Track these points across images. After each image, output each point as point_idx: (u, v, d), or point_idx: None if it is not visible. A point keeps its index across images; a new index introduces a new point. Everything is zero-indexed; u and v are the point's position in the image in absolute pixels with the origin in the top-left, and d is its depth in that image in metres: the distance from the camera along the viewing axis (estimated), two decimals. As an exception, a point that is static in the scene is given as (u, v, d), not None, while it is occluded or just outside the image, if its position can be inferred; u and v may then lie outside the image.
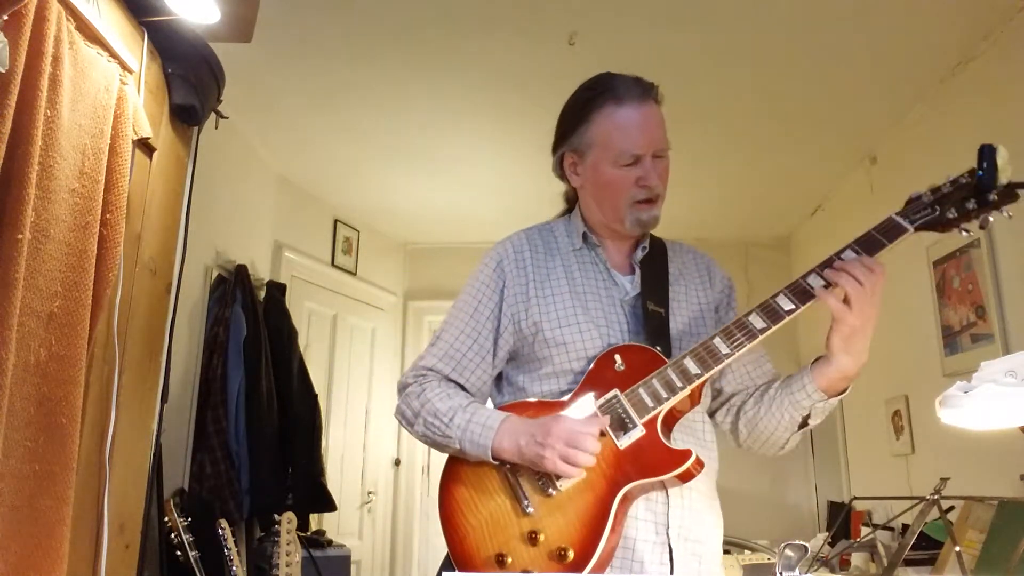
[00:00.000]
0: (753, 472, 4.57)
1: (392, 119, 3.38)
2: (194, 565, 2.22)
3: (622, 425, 1.22)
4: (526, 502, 1.22)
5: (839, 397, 1.25)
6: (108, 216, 1.52)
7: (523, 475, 1.24)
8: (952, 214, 1.19)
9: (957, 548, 1.83)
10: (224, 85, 2.05)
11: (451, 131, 3.45)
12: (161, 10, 1.75)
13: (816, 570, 2.51)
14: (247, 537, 3.22)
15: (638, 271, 1.40)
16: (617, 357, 1.27)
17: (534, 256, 1.40)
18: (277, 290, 3.56)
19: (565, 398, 1.29)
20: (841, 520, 3.19)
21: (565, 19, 2.64)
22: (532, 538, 1.20)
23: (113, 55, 1.57)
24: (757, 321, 1.20)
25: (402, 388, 1.41)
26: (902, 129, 3.26)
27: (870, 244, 1.20)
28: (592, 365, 1.28)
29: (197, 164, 2.03)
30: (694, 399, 1.26)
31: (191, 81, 1.89)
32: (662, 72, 2.92)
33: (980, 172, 1.16)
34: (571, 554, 1.17)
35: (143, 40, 1.77)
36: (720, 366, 1.21)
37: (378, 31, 2.72)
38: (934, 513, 1.93)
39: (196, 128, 2.01)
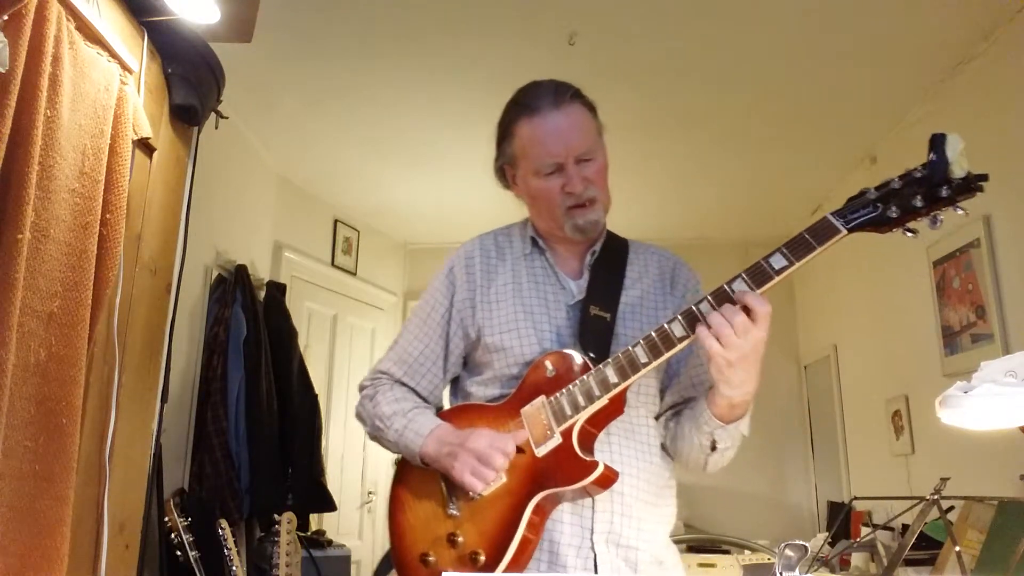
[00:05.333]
0: (753, 472, 4.57)
1: (392, 119, 3.38)
2: (194, 565, 2.21)
3: (543, 433, 1.23)
4: (451, 505, 1.27)
5: (738, 423, 1.24)
6: (108, 216, 1.52)
7: (452, 480, 1.27)
8: (894, 212, 1.08)
9: (957, 548, 1.83)
10: (224, 85, 2.05)
11: (451, 131, 3.45)
12: (161, 10, 1.75)
13: (816, 570, 2.51)
14: (247, 537, 3.21)
15: (587, 275, 1.39)
16: (548, 363, 1.28)
17: (484, 262, 1.42)
18: (277, 290, 3.56)
19: (499, 403, 1.31)
20: (841, 520, 3.19)
21: (565, 19, 2.64)
22: (452, 540, 1.25)
23: (113, 55, 1.57)
24: (677, 329, 1.17)
25: (360, 390, 1.47)
26: (902, 129, 3.26)
27: (800, 246, 1.13)
28: (527, 371, 1.30)
29: (197, 164, 2.03)
30: (617, 407, 1.24)
31: (191, 81, 1.89)
32: (662, 71, 2.95)
33: (929, 164, 1.05)
34: (482, 558, 1.21)
35: (143, 40, 1.77)
36: (638, 375, 1.19)
37: (378, 31, 2.72)
38: (934, 513, 1.93)
39: (196, 128, 2.01)
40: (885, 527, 2.85)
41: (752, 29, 2.67)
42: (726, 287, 1.16)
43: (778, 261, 1.14)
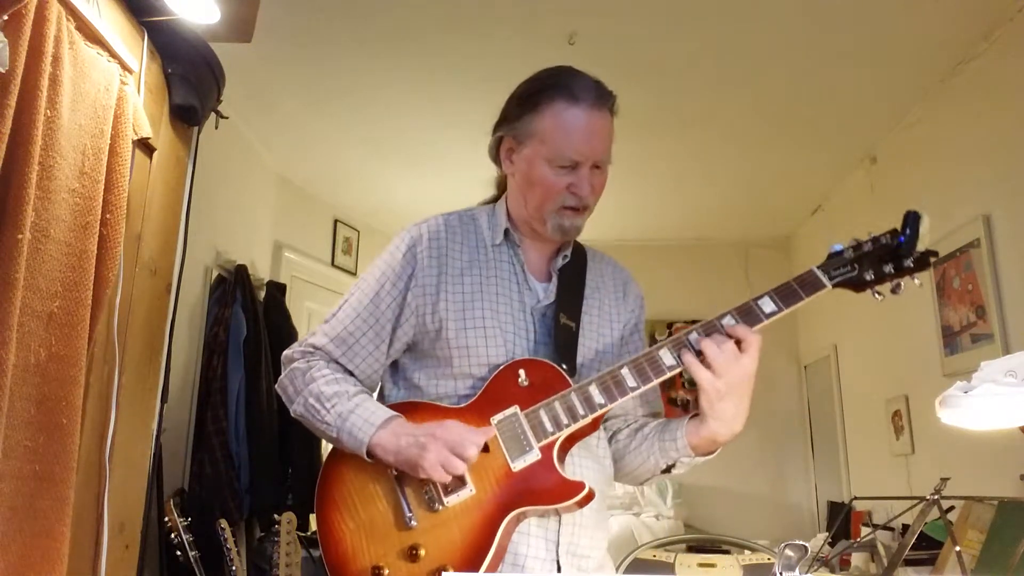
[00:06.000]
0: (753, 472, 4.57)
1: (392, 119, 3.38)
2: (194, 565, 2.21)
3: (518, 446, 1.18)
4: (409, 515, 1.18)
5: (706, 458, 1.25)
6: (108, 216, 1.52)
7: (409, 485, 1.20)
8: (869, 276, 1.19)
9: (957, 548, 1.83)
10: (224, 85, 2.05)
11: (451, 131, 3.46)
12: (161, 10, 1.75)
13: (816, 570, 2.51)
14: (247, 537, 3.21)
15: (555, 280, 1.35)
16: (522, 372, 1.22)
17: (451, 245, 1.32)
18: (277, 290, 3.56)
19: (463, 405, 1.24)
20: (841, 520, 3.19)
21: (565, 19, 2.64)
22: (412, 553, 1.16)
23: (113, 55, 1.57)
24: (667, 357, 1.18)
25: (288, 362, 1.33)
26: (902, 129, 3.26)
27: (788, 294, 1.19)
28: (494, 375, 1.24)
29: (197, 164, 2.03)
30: (594, 426, 1.22)
31: (191, 81, 1.89)
32: (662, 72, 2.95)
33: (902, 238, 1.17)
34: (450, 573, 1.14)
35: (143, 40, 1.77)
36: (625, 398, 1.18)
37: (378, 31, 2.73)
38: (934, 513, 1.93)
39: (196, 128, 2.01)
40: (885, 527, 2.85)
41: (752, 29, 2.67)
42: (716, 322, 1.19)
43: (767, 305, 1.19)
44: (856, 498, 2.69)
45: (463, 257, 1.32)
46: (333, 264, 4.41)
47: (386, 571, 1.16)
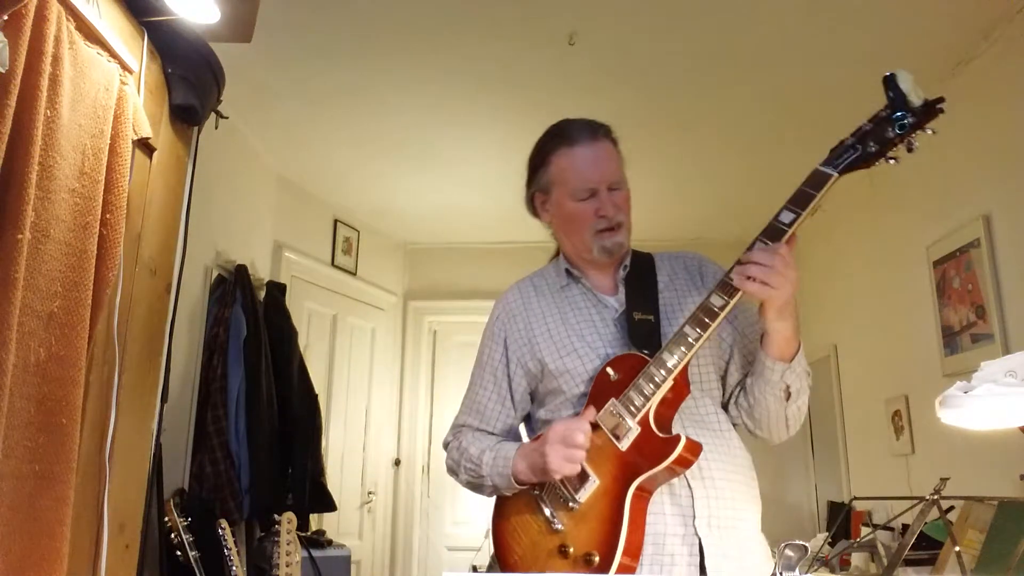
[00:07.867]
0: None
1: (392, 119, 3.38)
2: (194, 565, 2.22)
3: (620, 429, 1.30)
4: (555, 520, 1.34)
5: (798, 358, 1.33)
6: (108, 216, 1.52)
7: (548, 496, 1.36)
8: (873, 148, 1.25)
9: (957, 548, 1.83)
10: (224, 85, 2.05)
11: (451, 131, 3.45)
12: (161, 10, 1.75)
13: (816, 570, 2.51)
14: (247, 537, 3.22)
15: (622, 288, 1.49)
16: (609, 370, 1.36)
17: (527, 303, 1.53)
18: (277, 290, 3.56)
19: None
20: (841, 520, 3.19)
21: (565, 19, 2.64)
22: (563, 551, 1.31)
23: (113, 55, 1.57)
24: (716, 300, 1.27)
25: (445, 446, 1.59)
26: (902, 129, 3.26)
27: (799, 198, 1.31)
28: (592, 384, 1.38)
29: (197, 164, 2.03)
30: (682, 388, 1.32)
31: (191, 81, 1.89)
32: (662, 72, 2.95)
33: (890, 101, 1.20)
34: (596, 557, 1.26)
35: (143, 40, 1.77)
36: (692, 351, 1.27)
37: (378, 31, 2.73)
38: (934, 513, 1.93)
39: (196, 128, 2.01)
40: (885, 527, 2.85)
41: (752, 29, 2.67)
42: (747, 252, 1.27)
43: (786, 216, 1.29)
44: (856, 498, 2.69)
45: (542, 304, 1.52)
46: (333, 264, 4.41)
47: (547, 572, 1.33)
